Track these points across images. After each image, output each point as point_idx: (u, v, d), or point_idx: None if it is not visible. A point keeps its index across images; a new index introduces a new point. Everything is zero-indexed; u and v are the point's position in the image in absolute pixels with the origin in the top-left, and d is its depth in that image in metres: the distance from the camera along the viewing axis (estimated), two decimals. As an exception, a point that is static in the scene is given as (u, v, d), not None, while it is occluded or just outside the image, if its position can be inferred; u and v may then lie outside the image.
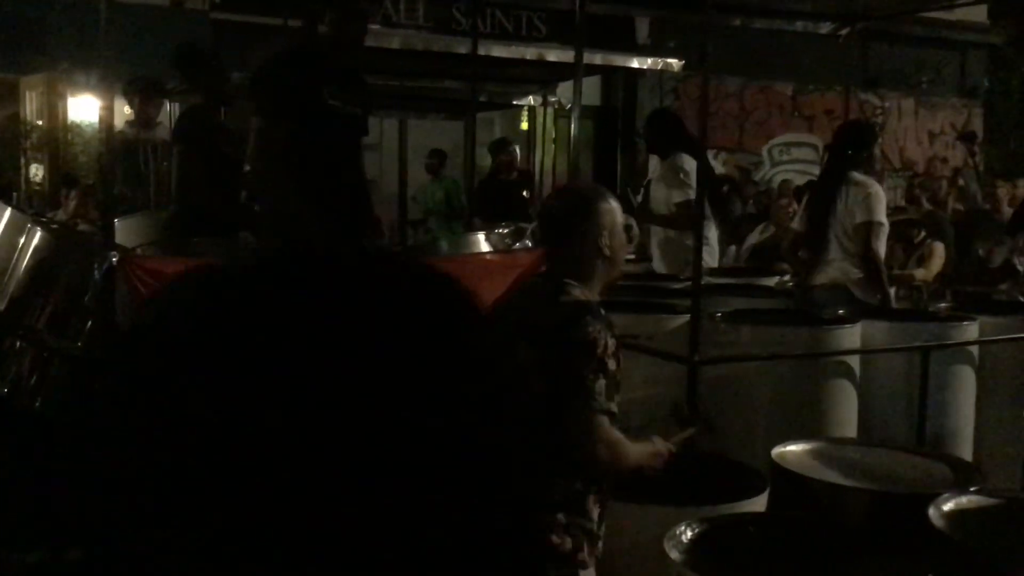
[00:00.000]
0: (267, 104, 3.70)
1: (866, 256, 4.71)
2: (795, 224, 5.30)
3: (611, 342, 2.28)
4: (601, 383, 2.25)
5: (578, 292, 2.36)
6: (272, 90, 3.72)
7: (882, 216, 4.72)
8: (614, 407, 2.29)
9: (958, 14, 11.43)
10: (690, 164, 5.39)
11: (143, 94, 5.87)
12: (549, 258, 2.46)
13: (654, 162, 5.94)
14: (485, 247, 4.11)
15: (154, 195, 5.73)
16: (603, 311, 2.37)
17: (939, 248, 6.98)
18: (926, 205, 8.37)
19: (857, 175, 4.80)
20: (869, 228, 4.69)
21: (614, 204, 2.45)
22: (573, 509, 2.30)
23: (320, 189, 3.61)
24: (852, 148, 4.93)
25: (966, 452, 3.99)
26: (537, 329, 2.31)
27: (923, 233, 7.01)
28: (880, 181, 5.45)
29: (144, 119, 5.92)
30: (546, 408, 2.27)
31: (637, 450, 2.38)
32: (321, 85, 3.73)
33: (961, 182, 10.79)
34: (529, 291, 2.47)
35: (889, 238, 5.04)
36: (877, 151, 5.02)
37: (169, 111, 8.91)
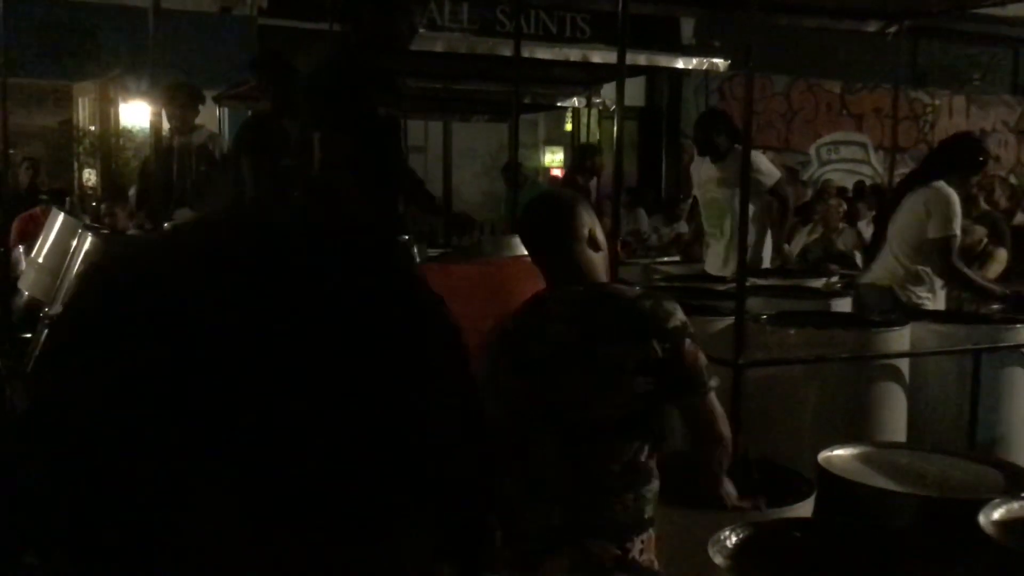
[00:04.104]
0: (324, 115, 3.70)
1: (943, 273, 4.50)
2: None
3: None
4: (704, 359, 2.24)
5: (626, 289, 2.31)
6: (327, 101, 3.72)
7: (957, 228, 4.48)
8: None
9: (1011, 10, 11.21)
10: (759, 158, 5.30)
11: (175, 100, 5.88)
12: (553, 267, 2.37)
13: (698, 165, 5.80)
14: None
15: (184, 199, 5.72)
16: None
17: (1001, 253, 6.81)
18: (983, 205, 8.18)
19: (937, 184, 4.52)
20: (942, 243, 4.44)
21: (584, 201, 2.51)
22: (654, 523, 2.28)
23: (377, 191, 3.65)
24: (951, 165, 4.63)
25: (1019, 457, 3.90)
26: (619, 329, 2.21)
27: (984, 238, 6.83)
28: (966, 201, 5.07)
29: (179, 125, 5.94)
30: (648, 406, 2.22)
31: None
32: (369, 91, 3.74)
33: (1014, 180, 10.58)
34: (565, 302, 2.33)
35: None
36: (976, 179, 4.69)
37: (218, 116, 9.04)
